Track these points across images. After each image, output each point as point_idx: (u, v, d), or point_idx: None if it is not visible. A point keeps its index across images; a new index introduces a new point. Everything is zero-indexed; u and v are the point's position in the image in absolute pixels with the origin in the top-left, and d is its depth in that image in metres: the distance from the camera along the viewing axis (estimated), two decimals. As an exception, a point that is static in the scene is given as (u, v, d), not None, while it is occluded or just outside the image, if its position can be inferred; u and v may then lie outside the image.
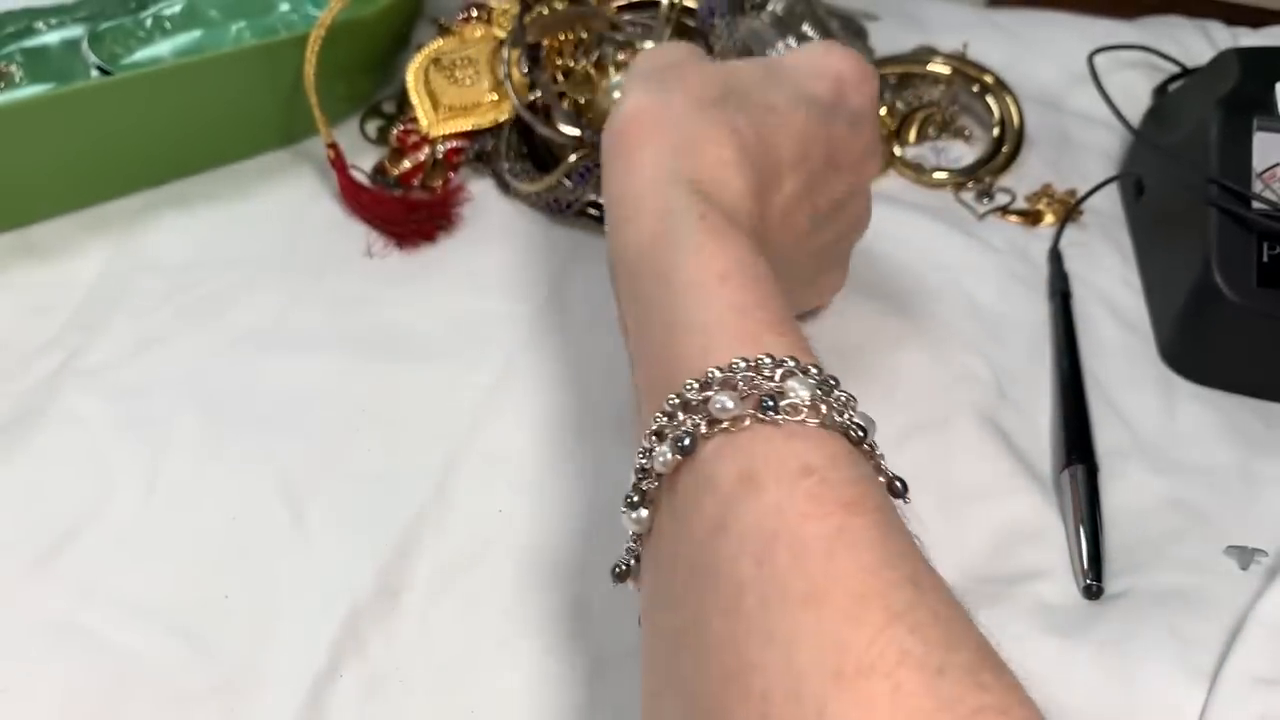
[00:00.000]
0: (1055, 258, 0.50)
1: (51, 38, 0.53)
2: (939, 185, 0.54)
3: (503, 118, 0.51)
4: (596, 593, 0.37)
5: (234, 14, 0.56)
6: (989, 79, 0.57)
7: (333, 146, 0.49)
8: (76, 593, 0.36)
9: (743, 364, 0.26)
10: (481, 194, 0.51)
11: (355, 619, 0.36)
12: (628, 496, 0.28)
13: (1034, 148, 0.56)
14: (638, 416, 0.30)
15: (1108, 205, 0.53)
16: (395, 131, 0.52)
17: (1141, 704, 0.34)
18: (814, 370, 0.26)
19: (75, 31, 0.53)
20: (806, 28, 0.54)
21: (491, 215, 0.50)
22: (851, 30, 0.59)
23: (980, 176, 0.54)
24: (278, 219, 0.50)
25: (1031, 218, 0.52)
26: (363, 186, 0.50)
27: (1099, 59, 0.56)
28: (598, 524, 0.38)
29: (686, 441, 0.26)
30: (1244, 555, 0.38)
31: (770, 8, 0.54)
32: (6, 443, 0.40)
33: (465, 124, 0.51)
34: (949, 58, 0.57)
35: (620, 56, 0.52)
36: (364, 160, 0.51)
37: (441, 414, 0.42)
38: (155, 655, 0.35)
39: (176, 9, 0.55)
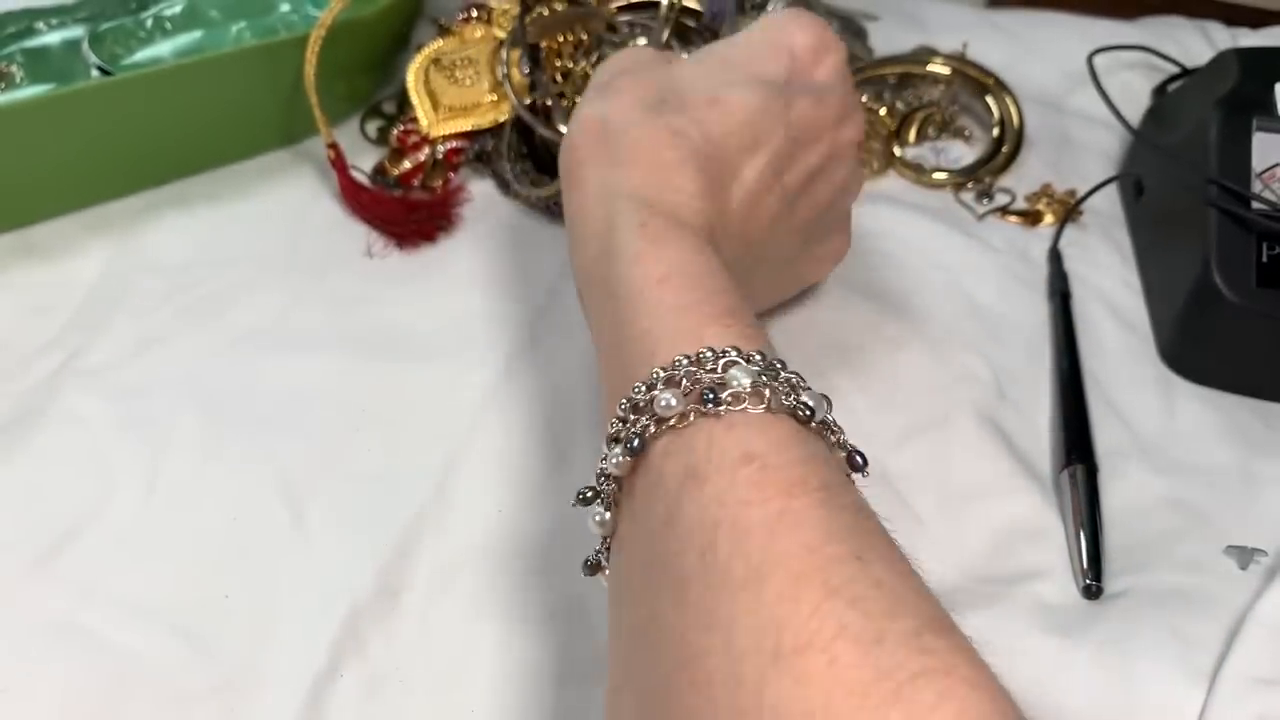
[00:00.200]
0: (1055, 258, 0.50)
1: (52, 38, 0.53)
2: (939, 185, 0.54)
3: (503, 118, 0.51)
4: (596, 592, 0.37)
5: (234, 14, 0.56)
6: (989, 79, 0.57)
7: (333, 146, 0.49)
8: (76, 593, 0.36)
9: (684, 360, 0.26)
10: (481, 194, 0.51)
11: (355, 619, 0.36)
12: (580, 493, 0.28)
13: (1034, 148, 0.56)
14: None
15: (1107, 205, 0.53)
16: (395, 131, 0.52)
17: (1141, 704, 0.34)
18: (757, 357, 0.27)
19: (76, 32, 0.53)
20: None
21: (491, 215, 0.50)
22: (851, 30, 0.59)
23: (980, 177, 0.54)
24: (278, 219, 0.50)
25: (1031, 218, 0.52)
26: (363, 186, 0.50)
27: (1099, 59, 0.56)
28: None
29: (635, 443, 0.26)
30: (1244, 555, 0.38)
31: (770, 8, 0.54)
32: (6, 443, 0.40)
33: (465, 124, 0.51)
34: (949, 58, 0.57)
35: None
36: (364, 160, 0.51)
37: (441, 414, 0.42)
38: (155, 655, 0.35)
39: (177, 9, 0.55)
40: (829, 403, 0.27)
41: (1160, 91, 0.57)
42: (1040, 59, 0.60)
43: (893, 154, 0.55)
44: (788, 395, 0.26)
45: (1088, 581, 0.37)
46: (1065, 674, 0.35)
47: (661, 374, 0.27)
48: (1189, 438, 0.43)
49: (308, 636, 0.35)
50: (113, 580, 0.37)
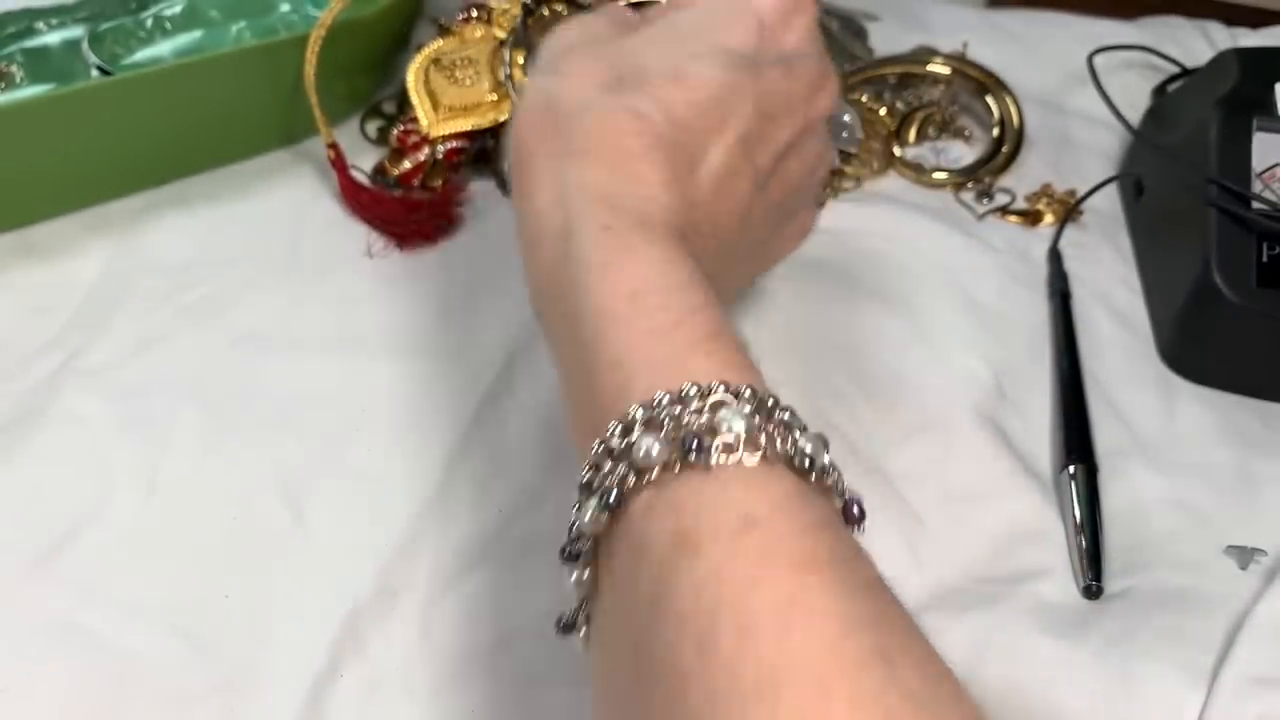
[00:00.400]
0: (1055, 258, 0.50)
1: (52, 38, 0.53)
2: (939, 185, 0.54)
3: (503, 118, 0.51)
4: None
5: (234, 14, 0.56)
6: (989, 79, 0.57)
7: (333, 146, 0.49)
8: (76, 593, 0.36)
9: (665, 398, 0.23)
10: (481, 194, 0.51)
11: (355, 619, 0.36)
12: (562, 550, 0.25)
13: (1034, 148, 0.56)
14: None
15: (1107, 205, 0.53)
16: (395, 131, 0.52)
17: (1141, 704, 0.34)
18: (748, 392, 0.23)
19: (76, 32, 0.53)
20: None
21: (491, 215, 0.50)
22: (851, 30, 0.59)
23: (980, 176, 0.54)
24: (278, 219, 0.50)
25: (1031, 218, 0.52)
26: (363, 186, 0.50)
27: (1099, 59, 0.56)
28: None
29: (613, 496, 0.23)
30: (1244, 555, 0.38)
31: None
32: (6, 443, 0.40)
33: (465, 124, 0.51)
34: (949, 58, 0.57)
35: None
36: (364, 160, 0.51)
37: (441, 414, 0.42)
38: (155, 655, 0.35)
39: (177, 9, 0.55)
40: (826, 444, 0.24)
41: (1160, 91, 0.57)
42: (1040, 59, 0.60)
43: (893, 154, 0.55)
44: (784, 440, 0.23)
45: (1088, 581, 0.37)
46: (1065, 674, 0.35)
47: (640, 414, 0.23)
48: (1189, 438, 0.43)
49: (308, 636, 0.35)
50: (113, 580, 0.37)
